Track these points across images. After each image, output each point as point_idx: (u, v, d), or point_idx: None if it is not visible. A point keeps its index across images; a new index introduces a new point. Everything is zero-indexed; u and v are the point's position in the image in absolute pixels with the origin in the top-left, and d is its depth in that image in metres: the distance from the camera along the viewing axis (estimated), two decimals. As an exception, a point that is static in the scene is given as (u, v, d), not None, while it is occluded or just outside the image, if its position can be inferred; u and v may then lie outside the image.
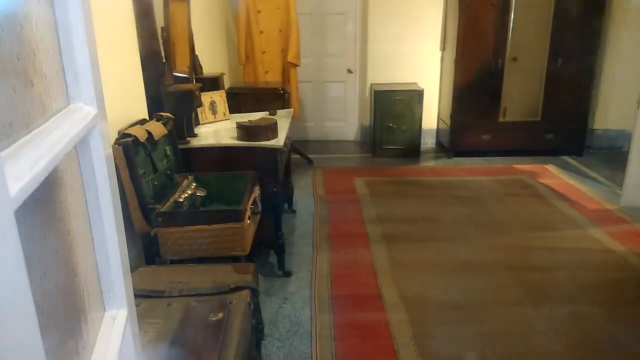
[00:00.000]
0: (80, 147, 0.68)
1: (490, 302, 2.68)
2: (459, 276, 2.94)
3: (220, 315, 1.77)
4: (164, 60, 2.93)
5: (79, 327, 0.66)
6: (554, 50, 4.90)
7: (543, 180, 4.50)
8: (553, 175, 4.67)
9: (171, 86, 2.86)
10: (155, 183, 2.37)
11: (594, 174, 4.66)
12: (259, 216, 2.60)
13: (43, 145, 0.50)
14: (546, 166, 4.89)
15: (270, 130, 2.85)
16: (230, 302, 1.85)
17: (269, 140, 2.81)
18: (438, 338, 2.40)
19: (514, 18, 4.83)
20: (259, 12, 4.57)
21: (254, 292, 2.01)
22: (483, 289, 2.81)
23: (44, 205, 0.57)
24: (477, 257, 3.15)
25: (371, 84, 5.58)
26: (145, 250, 2.34)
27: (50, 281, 0.58)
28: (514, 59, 4.97)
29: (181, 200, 2.39)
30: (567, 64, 4.93)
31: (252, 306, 1.97)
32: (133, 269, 2.08)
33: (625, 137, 5.11)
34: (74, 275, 0.66)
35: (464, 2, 4.80)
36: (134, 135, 2.17)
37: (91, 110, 0.68)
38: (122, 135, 2.18)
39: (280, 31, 4.67)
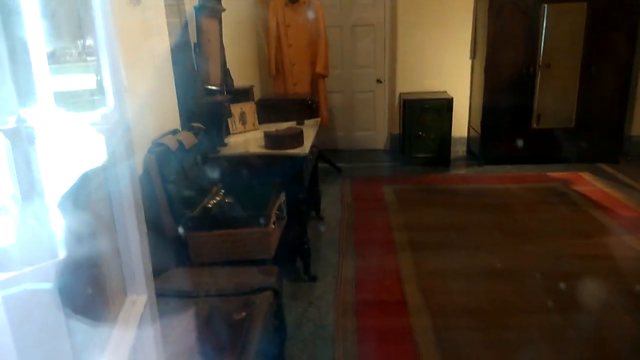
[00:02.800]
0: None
1: (517, 309, 2.65)
2: (485, 283, 2.93)
3: (243, 314, 1.85)
4: (197, 74, 3.08)
5: (102, 308, 0.75)
6: (588, 56, 4.81)
7: (577, 188, 4.40)
8: (587, 182, 4.55)
9: (203, 98, 3.01)
10: (186, 190, 2.49)
11: (630, 182, 4.52)
12: (284, 221, 2.68)
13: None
14: (580, 174, 4.77)
15: (296, 139, 2.94)
16: (253, 303, 1.93)
17: (294, 148, 2.90)
18: (462, 344, 2.40)
19: (546, 24, 4.77)
20: (289, 26, 4.71)
21: (277, 294, 2.08)
22: (510, 295, 2.78)
23: (77, 205, 0.67)
24: (504, 264, 3.12)
25: (400, 93, 5.62)
26: (176, 254, 2.46)
27: (77, 268, 0.67)
28: (547, 66, 4.90)
29: (210, 206, 2.51)
30: (602, 70, 4.83)
31: (275, 307, 2.05)
32: (164, 271, 2.21)
33: (666, 143, 4.93)
34: (100, 261, 0.75)
35: (494, 9, 4.79)
36: (166, 144, 2.30)
37: (113, 116, 0.78)
38: (155, 144, 2.32)
39: (309, 44, 4.79)
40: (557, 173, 4.82)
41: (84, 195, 0.72)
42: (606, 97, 4.90)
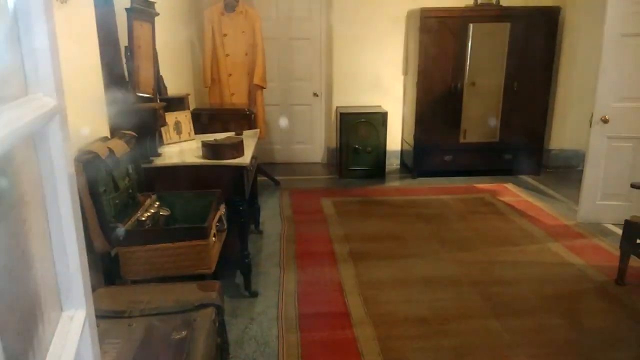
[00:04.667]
0: (38, 138, 0.67)
1: (456, 316, 2.71)
2: (425, 291, 2.97)
3: (184, 333, 1.72)
4: (127, 80, 2.90)
5: (34, 324, 0.63)
6: (510, 75, 5.14)
7: (503, 198, 4.64)
8: (512, 193, 4.82)
9: (134, 105, 2.83)
10: (117, 202, 2.31)
11: (551, 192, 4.85)
12: (224, 234, 2.57)
13: (-2, 123, 0.49)
14: (505, 185, 5.05)
15: (236, 148, 2.84)
16: (194, 320, 1.80)
17: (234, 158, 2.80)
18: (406, 353, 2.40)
19: (471, 44, 5.04)
20: (225, 35, 4.61)
21: (219, 310, 1.97)
22: (449, 303, 2.84)
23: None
24: (442, 273, 3.20)
25: (337, 107, 5.68)
26: (105, 271, 2.26)
27: (2, 272, 0.56)
28: (473, 84, 5.17)
29: (143, 219, 2.34)
30: (523, 88, 5.17)
31: (217, 324, 1.93)
32: (91, 289, 2.01)
33: (580, 156, 5.35)
34: (29, 269, 0.63)
35: (424, 27, 4.99)
36: (95, 152, 2.13)
37: (50, 101, 0.67)
38: (82, 152, 2.13)
39: (246, 54, 4.72)
40: (484, 185, 5.07)
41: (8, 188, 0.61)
42: (528, 113, 5.25)
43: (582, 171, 4.07)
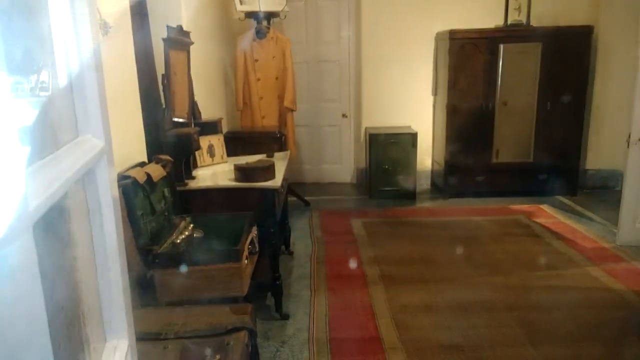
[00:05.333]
0: (87, 178, 0.71)
1: (491, 343, 2.64)
2: (458, 317, 2.91)
3: (218, 357, 1.74)
4: (164, 106, 3.01)
5: (80, 353, 0.66)
6: (542, 94, 5.05)
7: (539, 220, 4.52)
8: (548, 215, 4.70)
9: (170, 130, 2.93)
10: (153, 225, 2.37)
11: (588, 213, 4.70)
12: (256, 257, 2.60)
13: (56, 170, 0.53)
14: (541, 206, 4.93)
15: (267, 171, 2.89)
16: (227, 344, 1.82)
17: (266, 181, 2.84)
18: (439, 380, 2.35)
19: (502, 64, 5.00)
20: (257, 61, 4.73)
21: (252, 334, 1.98)
22: (483, 329, 2.77)
23: (53, 229, 0.59)
24: (476, 298, 3.13)
25: (366, 128, 5.70)
26: (141, 293, 2.32)
27: (56, 304, 0.59)
28: (504, 103, 5.11)
29: (178, 241, 2.40)
30: (556, 107, 5.07)
31: (250, 348, 1.94)
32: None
33: (617, 176, 5.18)
34: (77, 301, 0.67)
35: (453, 48, 4.99)
36: (133, 177, 2.20)
37: (99, 143, 0.72)
38: (121, 177, 2.21)
39: (276, 78, 4.82)
40: (518, 206, 4.96)
41: (61, 226, 0.65)
42: (562, 132, 5.13)
43: (620, 192, 3.94)
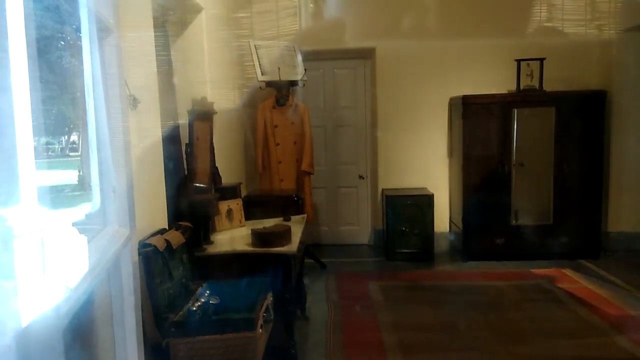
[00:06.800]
0: (112, 264, 0.77)
1: (515, 419, 2.52)
2: (480, 389, 2.80)
3: None
4: (186, 172, 3.13)
5: None
6: (559, 155, 5.07)
7: (561, 285, 4.40)
8: (571, 279, 4.57)
9: (191, 197, 3.02)
10: (170, 292, 2.41)
11: (612, 278, 4.56)
12: (271, 325, 2.58)
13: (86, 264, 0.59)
14: (563, 270, 4.80)
15: (284, 236, 2.93)
16: (240, 418, 1.79)
17: (282, 246, 2.88)
18: None
19: (517, 127, 5.07)
20: (276, 126, 4.92)
21: (265, 407, 1.95)
22: (506, 403, 2.65)
23: (80, 324, 0.64)
24: (498, 368, 3.02)
25: (383, 189, 5.75)
26: (157, 361, 2.31)
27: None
28: (521, 164, 5.13)
29: (194, 309, 2.42)
30: (574, 168, 5.07)
31: (263, 422, 1.90)
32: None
33: (641, 239, 5.07)
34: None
35: (467, 115, 5.10)
36: (154, 245, 2.27)
37: (125, 232, 0.78)
38: (142, 245, 2.28)
39: (295, 143, 4.98)
40: (540, 270, 4.85)
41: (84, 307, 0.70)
42: (581, 194, 5.09)
43: (645, 256, 3.84)
